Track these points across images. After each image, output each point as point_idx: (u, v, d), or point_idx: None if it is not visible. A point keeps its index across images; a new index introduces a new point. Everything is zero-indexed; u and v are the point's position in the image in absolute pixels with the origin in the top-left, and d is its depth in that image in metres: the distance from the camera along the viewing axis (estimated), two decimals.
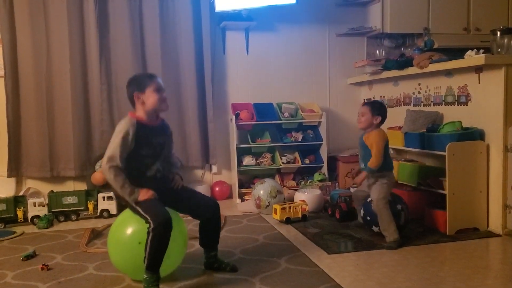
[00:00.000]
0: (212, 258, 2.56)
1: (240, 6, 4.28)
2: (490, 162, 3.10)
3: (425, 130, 3.42)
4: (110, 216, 3.79)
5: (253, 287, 2.32)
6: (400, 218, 2.97)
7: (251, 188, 4.06)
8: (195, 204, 2.52)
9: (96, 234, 3.34)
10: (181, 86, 4.36)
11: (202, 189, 4.31)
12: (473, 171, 3.08)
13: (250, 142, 4.35)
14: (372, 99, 4.60)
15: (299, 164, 4.44)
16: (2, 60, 3.99)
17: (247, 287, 2.32)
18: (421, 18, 4.44)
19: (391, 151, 3.95)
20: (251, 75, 4.62)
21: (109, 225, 3.52)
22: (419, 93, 3.83)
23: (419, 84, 3.82)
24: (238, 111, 4.37)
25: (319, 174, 4.40)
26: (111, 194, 3.80)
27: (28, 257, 2.81)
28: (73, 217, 3.77)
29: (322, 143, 4.50)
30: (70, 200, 3.76)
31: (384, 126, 3.99)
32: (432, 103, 3.67)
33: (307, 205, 3.63)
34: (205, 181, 4.56)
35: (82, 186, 4.15)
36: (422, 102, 3.79)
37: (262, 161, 4.41)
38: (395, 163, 3.61)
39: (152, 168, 2.38)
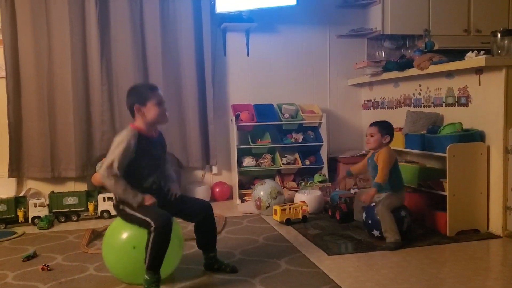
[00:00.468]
0: (212, 259, 2.56)
1: (241, 7, 4.28)
2: (490, 164, 3.10)
3: (425, 132, 3.43)
4: (111, 217, 3.78)
5: None
6: (403, 224, 2.96)
7: (251, 189, 4.06)
8: (187, 207, 2.53)
9: (97, 235, 3.34)
10: (182, 87, 4.36)
11: (202, 190, 4.33)
12: (473, 172, 3.08)
13: (251, 143, 4.35)
14: (373, 101, 4.61)
15: (299, 165, 4.44)
16: (3, 61, 4.00)
17: None
18: (422, 20, 4.44)
19: None
20: (252, 76, 4.63)
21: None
22: (420, 94, 3.83)
23: (420, 86, 3.82)
24: (239, 112, 4.37)
25: (320, 175, 4.40)
26: (111, 195, 3.80)
27: (29, 258, 2.82)
28: (74, 217, 3.78)
29: (322, 144, 4.50)
30: (70, 200, 3.76)
31: None
32: (432, 105, 3.67)
33: (307, 206, 3.63)
34: (205, 182, 4.56)
35: (82, 187, 4.16)
36: (423, 103, 3.79)
37: (263, 162, 4.41)
38: None
39: (148, 180, 2.39)
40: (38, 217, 3.65)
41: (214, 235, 2.59)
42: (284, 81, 4.69)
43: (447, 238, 3.02)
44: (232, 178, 4.51)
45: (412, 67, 3.68)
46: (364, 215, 3.12)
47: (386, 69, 4.07)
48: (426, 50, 3.96)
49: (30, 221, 3.67)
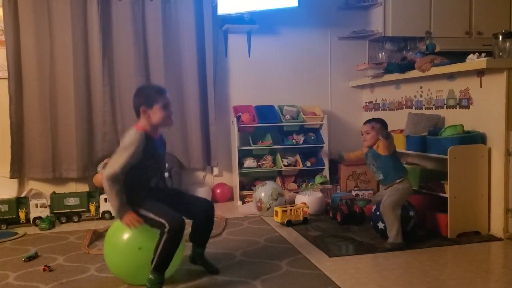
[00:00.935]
0: (197, 255, 2.58)
1: (243, 9, 4.29)
2: (491, 166, 3.10)
3: (426, 134, 3.42)
4: (112, 217, 3.78)
5: None
6: (408, 224, 2.96)
7: (252, 190, 4.06)
8: (190, 205, 2.54)
9: (98, 236, 3.34)
10: (183, 88, 4.37)
11: (203, 191, 4.33)
12: (474, 174, 3.08)
13: (252, 145, 4.35)
14: (374, 102, 4.61)
15: (300, 166, 4.44)
16: (6, 62, 4.01)
17: None
18: (423, 22, 4.45)
19: None
20: (253, 77, 4.63)
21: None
22: (421, 96, 3.83)
23: (421, 88, 3.83)
24: (240, 114, 4.38)
25: (321, 176, 4.41)
26: None
27: (30, 258, 2.82)
28: (75, 218, 3.78)
29: (323, 146, 4.50)
30: (72, 201, 3.77)
31: None
32: (433, 107, 3.67)
33: (308, 207, 3.63)
34: (206, 183, 4.57)
35: (84, 188, 4.16)
36: (424, 105, 3.79)
37: (264, 163, 4.41)
38: None
39: (153, 180, 2.41)
40: (40, 218, 3.65)
41: (208, 235, 2.61)
42: (285, 83, 4.70)
43: (448, 240, 3.02)
44: (233, 179, 4.51)
45: (414, 69, 3.68)
46: (373, 208, 3.11)
47: (388, 71, 4.07)
48: (427, 52, 3.96)
49: (31, 222, 3.67)
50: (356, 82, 4.74)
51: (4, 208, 3.65)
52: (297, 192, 4.08)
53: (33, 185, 4.20)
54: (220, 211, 3.97)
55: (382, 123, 3.08)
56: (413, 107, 3.93)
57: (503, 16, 4.63)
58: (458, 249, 2.86)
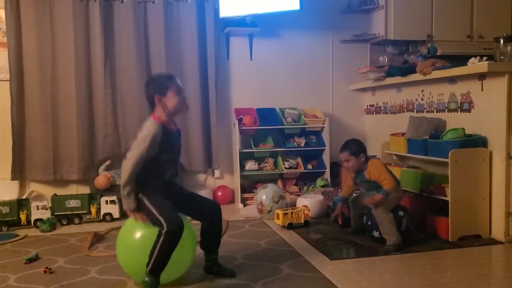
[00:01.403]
0: (212, 262, 2.57)
1: (244, 12, 4.30)
2: (493, 169, 3.09)
3: (428, 137, 3.42)
4: (113, 220, 3.80)
5: None
6: (401, 224, 2.97)
7: (254, 193, 4.06)
8: (198, 206, 2.54)
9: (99, 238, 3.34)
10: (185, 91, 4.34)
11: (204, 193, 4.30)
12: (475, 178, 3.08)
13: (253, 147, 4.36)
14: (375, 105, 4.61)
15: (301, 169, 4.44)
16: (8, 64, 4.02)
17: None
18: (425, 25, 4.45)
19: (394, 157, 3.96)
20: (255, 80, 4.64)
21: (112, 229, 3.54)
22: (422, 99, 3.83)
23: (422, 91, 3.83)
24: (241, 116, 4.38)
25: (322, 179, 4.40)
26: (114, 198, 3.81)
27: (31, 260, 2.82)
28: (76, 220, 3.78)
29: (324, 149, 4.50)
30: (73, 203, 3.77)
31: (386, 133, 4.03)
32: (435, 110, 3.67)
33: (309, 210, 3.63)
34: (207, 185, 4.57)
35: (85, 190, 4.16)
36: (425, 108, 3.79)
37: (265, 166, 4.41)
38: (397, 169, 3.62)
39: (168, 173, 2.41)
40: (41, 220, 3.66)
41: (218, 239, 2.60)
42: (287, 86, 4.70)
43: (449, 244, 3.02)
44: (234, 182, 4.51)
45: (415, 72, 3.69)
46: (364, 217, 3.12)
47: (389, 74, 4.07)
48: (429, 55, 3.97)
49: (32, 224, 3.67)
50: (357, 85, 4.75)
51: (5, 210, 3.65)
52: (298, 195, 4.08)
53: (34, 187, 4.21)
54: (221, 213, 3.95)
55: (357, 147, 3.05)
56: (415, 110, 3.93)
57: (504, 20, 4.63)
58: (459, 253, 2.86)
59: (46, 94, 4.09)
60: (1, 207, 3.64)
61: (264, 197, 3.79)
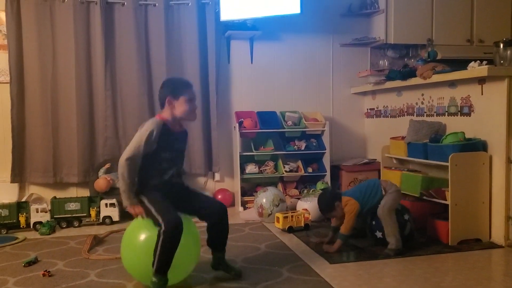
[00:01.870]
0: (219, 260, 2.58)
1: (245, 15, 4.30)
2: (493, 173, 3.09)
3: (428, 141, 3.42)
4: (113, 223, 3.79)
5: None
6: (405, 228, 2.96)
7: (254, 196, 4.05)
8: (204, 207, 2.55)
9: (98, 241, 3.33)
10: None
11: None
12: (475, 182, 3.08)
13: (253, 150, 4.36)
14: (376, 109, 4.61)
15: (302, 172, 4.44)
16: (8, 67, 4.02)
17: None
18: (425, 29, 4.46)
19: (394, 161, 3.95)
20: (255, 83, 4.65)
21: (111, 232, 3.54)
22: (422, 103, 3.84)
23: (422, 95, 3.83)
24: (242, 119, 4.38)
25: (322, 183, 4.40)
26: (113, 200, 3.81)
27: (30, 263, 2.82)
28: (76, 223, 3.77)
29: (325, 152, 4.50)
30: (72, 206, 3.76)
31: (387, 136, 4.03)
32: (435, 114, 3.67)
33: (309, 214, 3.62)
34: (208, 188, 4.56)
35: (85, 193, 4.16)
36: (425, 112, 3.79)
37: (265, 169, 4.41)
38: (397, 173, 3.62)
39: (168, 173, 2.42)
40: (40, 223, 3.65)
41: (225, 238, 2.60)
42: (287, 89, 4.71)
43: (449, 247, 3.01)
44: (234, 185, 4.51)
45: (415, 76, 3.69)
46: (369, 217, 3.10)
47: (389, 78, 4.08)
48: (429, 59, 3.98)
49: (31, 227, 3.66)
50: (358, 89, 4.75)
51: (5, 212, 3.65)
52: (299, 198, 4.07)
53: (33, 190, 4.20)
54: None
55: (333, 202, 3.02)
56: (415, 114, 3.93)
57: (504, 24, 4.64)
58: (459, 257, 2.85)
59: (46, 96, 4.09)
60: (0, 210, 3.64)
61: (264, 200, 3.78)
